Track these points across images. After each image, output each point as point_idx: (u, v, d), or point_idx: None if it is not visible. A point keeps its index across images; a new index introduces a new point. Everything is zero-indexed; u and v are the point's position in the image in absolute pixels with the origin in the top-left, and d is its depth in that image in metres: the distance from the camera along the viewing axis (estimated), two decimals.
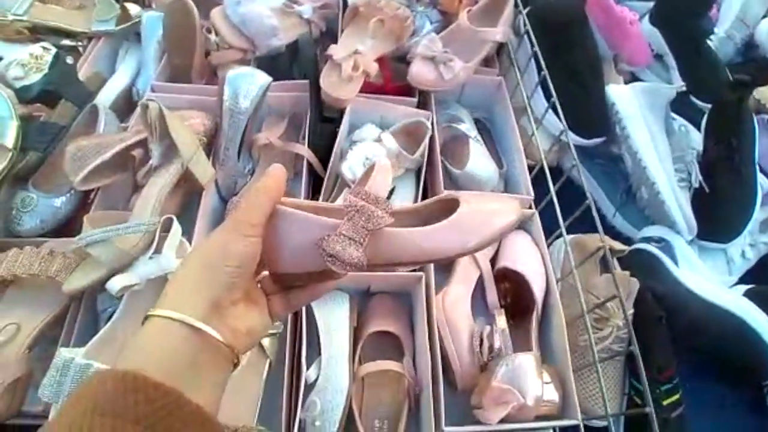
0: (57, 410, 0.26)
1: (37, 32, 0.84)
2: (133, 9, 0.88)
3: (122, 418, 0.25)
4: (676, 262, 0.73)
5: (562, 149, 0.82)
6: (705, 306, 0.69)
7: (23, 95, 0.70)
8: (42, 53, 0.79)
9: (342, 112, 0.75)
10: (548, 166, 0.69)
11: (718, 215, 0.76)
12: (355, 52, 0.72)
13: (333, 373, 0.59)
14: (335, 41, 0.79)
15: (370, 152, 0.65)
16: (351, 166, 0.64)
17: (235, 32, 0.77)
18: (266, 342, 0.60)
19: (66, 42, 0.86)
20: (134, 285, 0.55)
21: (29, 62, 0.78)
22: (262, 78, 0.69)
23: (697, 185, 0.76)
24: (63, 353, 0.52)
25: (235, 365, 0.32)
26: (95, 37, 0.86)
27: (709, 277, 0.74)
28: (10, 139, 0.66)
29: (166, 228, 0.60)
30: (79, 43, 0.87)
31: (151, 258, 0.58)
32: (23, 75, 0.76)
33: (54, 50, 0.79)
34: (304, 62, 0.78)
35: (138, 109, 0.73)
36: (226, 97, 0.68)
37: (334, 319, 0.62)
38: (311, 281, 0.36)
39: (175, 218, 0.60)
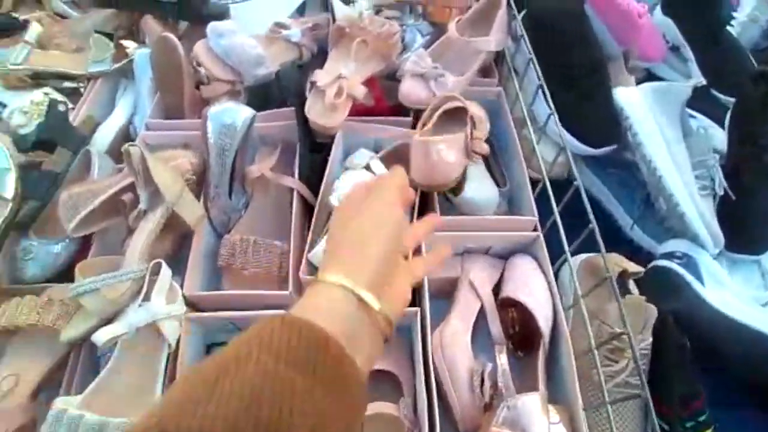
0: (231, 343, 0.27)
1: (39, 78, 0.86)
2: (130, 46, 0.89)
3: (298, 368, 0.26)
4: (701, 280, 0.67)
5: (574, 159, 0.77)
6: (734, 327, 0.63)
7: (22, 144, 0.72)
8: (42, 99, 0.81)
9: (333, 138, 0.73)
10: (556, 178, 0.64)
11: (747, 223, 0.69)
12: (339, 77, 0.70)
13: None
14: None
15: (359, 180, 0.63)
16: (340, 197, 0.62)
17: (219, 64, 0.76)
18: None
19: (68, 84, 0.88)
20: (122, 335, 0.55)
21: (31, 109, 0.80)
22: (246, 112, 0.68)
23: (721, 192, 0.69)
24: (57, 404, 0.53)
25: (386, 340, 0.34)
26: (93, 78, 0.87)
27: (739, 293, 0.67)
28: (9, 191, 0.67)
29: (154, 273, 0.59)
30: (80, 85, 0.88)
31: (140, 306, 0.57)
32: (26, 122, 0.79)
33: (52, 96, 0.80)
34: (290, 90, 0.76)
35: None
36: (209, 134, 0.67)
37: None
38: None
39: (163, 263, 0.59)
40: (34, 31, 0.86)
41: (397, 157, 0.68)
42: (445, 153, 0.61)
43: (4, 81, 0.85)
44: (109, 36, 0.88)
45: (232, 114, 0.67)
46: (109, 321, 0.58)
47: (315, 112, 0.69)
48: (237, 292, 0.62)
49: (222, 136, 0.67)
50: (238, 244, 0.65)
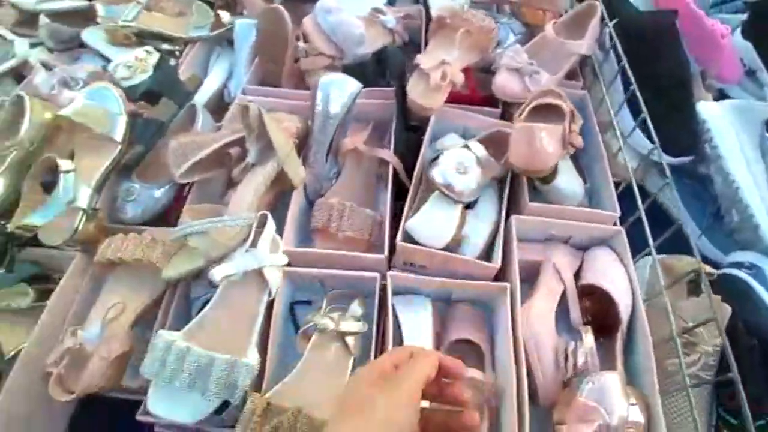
0: None
1: (141, 37, 0.90)
2: (225, 17, 0.94)
3: None
4: None
5: (647, 168, 0.80)
6: None
7: (130, 94, 0.75)
8: (145, 56, 0.85)
9: (425, 121, 0.76)
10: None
11: None
12: (443, 62, 0.73)
13: None
14: (417, 51, 0.81)
15: (461, 157, 0.66)
16: (443, 171, 0.65)
17: (325, 40, 0.79)
18: (350, 341, 0.61)
19: (165, 46, 0.92)
20: (232, 275, 0.58)
21: (135, 64, 0.83)
22: (353, 85, 0.71)
23: None
24: (164, 335, 0.55)
25: None
26: (191, 42, 0.91)
27: None
28: (119, 134, 0.71)
29: (261, 224, 0.62)
30: (176, 48, 0.92)
31: (247, 251, 0.60)
32: (129, 75, 0.82)
33: (156, 53, 0.84)
34: (392, 70, 0.80)
35: (232, 109, 0.78)
36: (318, 101, 0.70)
37: (418, 321, 0.63)
38: None
39: (269, 215, 0.63)
40: None
41: (493, 142, 0.71)
42: (546, 141, 0.64)
43: (111, 37, 0.89)
44: (210, 4, 0.92)
45: (341, 85, 0.70)
46: (209, 265, 0.60)
47: (417, 92, 0.73)
48: (336, 252, 0.65)
49: (329, 105, 0.70)
50: (335, 208, 0.68)
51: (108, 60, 0.87)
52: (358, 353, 0.61)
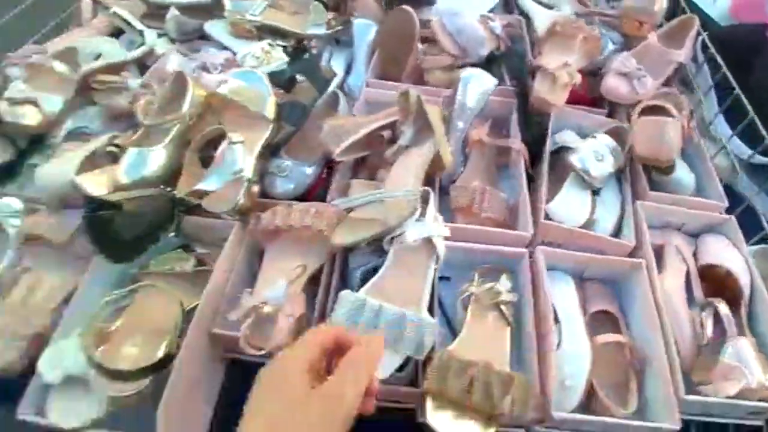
0: None
1: (261, 31, 0.95)
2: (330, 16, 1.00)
3: None
4: None
5: (732, 172, 0.88)
6: None
7: (276, 79, 0.80)
8: (269, 49, 0.90)
9: (542, 117, 0.83)
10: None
11: None
12: (566, 64, 0.81)
13: (575, 340, 0.64)
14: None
15: (598, 146, 0.73)
16: (582, 158, 0.72)
17: (450, 40, 0.86)
18: (505, 310, 0.66)
19: (279, 42, 0.97)
20: (413, 241, 0.62)
21: (261, 56, 0.89)
22: (490, 81, 0.78)
23: None
24: (349, 295, 0.59)
25: None
26: (306, 39, 0.97)
27: None
28: (270, 113, 0.75)
29: (424, 199, 0.67)
30: (289, 44, 0.98)
31: (417, 221, 0.65)
32: (257, 65, 0.87)
33: (279, 47, 0.90)
34: (513, 71, 0.87)
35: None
36: (459, 93, 0.77)
37: (565, 294, 0.69)
38: None
39: (431, 190, 0.68)
40: None
41: (612, 136, 0.79)
42: (673, 134, 0.72)
43: (234, 29, 0.94)
44: (324, 5, 0.98)
45: (480, 80, 0.77)
46: (385, 233, 0.65)
47: (544, 89, 0.80)
48: (486, 229, 0.70)
49: (469, 97, 0.77)
50: (477, 190, 0.74)
51: (227, 50, 0.92)
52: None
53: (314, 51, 0.84)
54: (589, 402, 0.63)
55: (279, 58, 0.90)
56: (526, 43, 0.95)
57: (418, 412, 0.61)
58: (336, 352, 0.40)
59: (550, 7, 0.96)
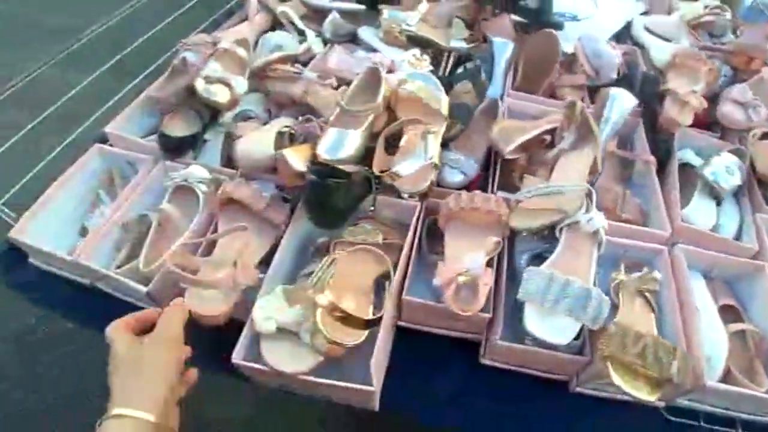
0: None
1: (409, 40, 1.06)
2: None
3: None
4: None
5: None
6: None
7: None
8: (420, 58, 1.02)
9: (667, 137, 0.95)
10: None
11: None
12: (693, 91, 0.93)
13: (712, 326, 0.75)
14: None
15: (729, 162, 0.85)
16: (714, 171, 0.84)
17: (587, 62, 0.98)
18: (650, 297, 0.77)
19: (415, 52, 1.08)
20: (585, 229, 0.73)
21: (414, 62, 1.00)
22: (632, 100, 0.89)
23: None
24: (536, 269, 0.70)
25: None
26: (446, 51, 1.08)
27: None
28: (445, 110, 0.86)
29: (588, 194, 0.78)
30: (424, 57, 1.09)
31: (585, 213, 0.75)
32: (410, 71, 0.98)
33: (426, 57, 1.01)
34: (646, 93, 0.98)
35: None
36: (606, 109, 0.88)
37: (698, 287, 0.80)
38: None
39: (593, 188, 0.78)
40: (423, 5, 1.07)
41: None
42: None
43: (385, 36, 1.05)
44: (465, 23, 1.10)
45: (625, 98, 0.88)
46: (553, 222, 0.76)
47: (674, 111, 0.92)
48: (629, 226, 0.82)
49: (616, 112, 0.88)
50: (618, 194, 0.85)
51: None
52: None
53: (477, 63, 0.95)
54: (724, 381, 0.73)
55: (426, 66, 1.02)
56: (642, 70, 1.07)
57: (571, 382, 0.71)
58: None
59: (667, 39, 1.08)
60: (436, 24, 1.10)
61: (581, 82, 0.99)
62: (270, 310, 0.68)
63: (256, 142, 0.83)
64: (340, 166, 0.73)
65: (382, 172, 0.78)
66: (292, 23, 1.04)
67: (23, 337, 1.41)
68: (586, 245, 0.75)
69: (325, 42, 1.08)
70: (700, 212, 0.84)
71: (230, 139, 0.91)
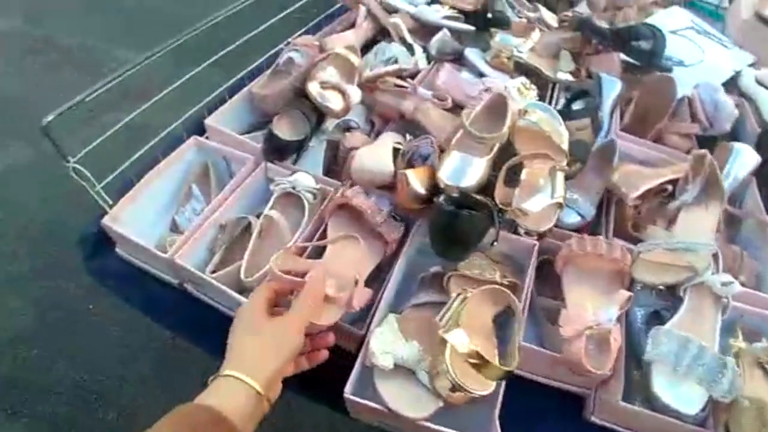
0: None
1: (516, 67, 1.04)
2: None
3: None
4: None
5: None
6: None
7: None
8: (529, 86, 0.98)
9: None
10: None
11: None
12: None
13: None
14: None
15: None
16: None
17: (704, 111, 0.95)
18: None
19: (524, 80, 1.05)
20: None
21: (523, 90, 0.97)
22: (755, 157, 0.86)
23: None
24: (665, 330, 0.66)
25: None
26: (552, 83, 1.05)
27: None
28: (565, 145, 0.82)
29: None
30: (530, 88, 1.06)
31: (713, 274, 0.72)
32: (518, 98, 0.95)
33: (534, 87, 0.98)
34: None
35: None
36: (729, 163, 0.85)
37: None
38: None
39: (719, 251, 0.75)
40: (536, 34, 1.04)
41: None
42: None
43: (493, 60, 1.03)
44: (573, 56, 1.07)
45: (749, 155, 0.86)
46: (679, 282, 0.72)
47: None
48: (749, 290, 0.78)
49: (735, 168, 0.85)
50: (738, 256, 0.82)
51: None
52: None
53: (598, 101, 0.92)
54: None
55: (532, 97, 0.99)
56: (752, 124, 1.04)
57: None
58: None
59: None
60: (542, 53, 1.08)
61: (694, 131, 0.96)
62: (386, 343, 0.65)
63: (374, 156, 0.80)
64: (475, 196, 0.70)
65: (504, 205, 0.75)
66: (400, 36, 1.01)
67: None
68: (712, 308, 0.72)
69: (429, 59, 1.05)
70: None
71: (334, 147, 0.89)
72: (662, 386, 0.65)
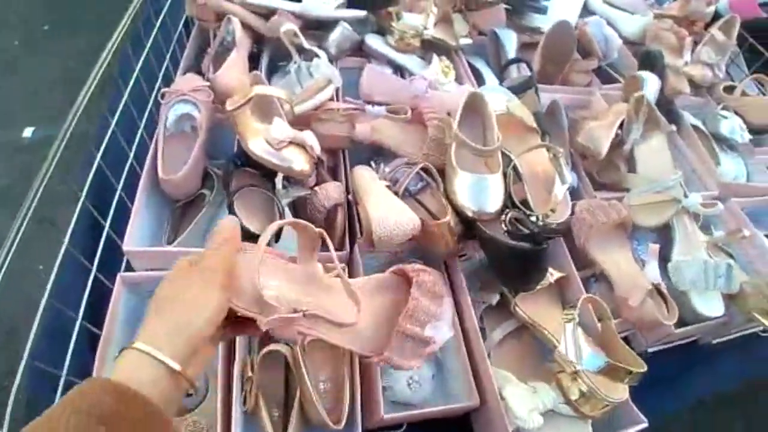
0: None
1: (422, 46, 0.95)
2: None
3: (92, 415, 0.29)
4: None
5: None
6: None
7: None
8: (448, 65, 0.93)
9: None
10: None
11: None
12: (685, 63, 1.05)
13: None
14: None
15: (736, 121, 0.99)
16: (732, 129, 0.97)
17: (597, 48, 1.02)
18: None
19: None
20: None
21: (447, 71, 0.92)
22: (656, 80, 0.95)
23: None
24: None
25: (189, 392, 0.37)
26: (453, 50, 1.00)
27: None
28: (534, 123, 0.80)
29: None
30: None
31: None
32: (445, 82, 0.90)
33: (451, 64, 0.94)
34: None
35: None
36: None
37: None
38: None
39: None
40: (431, 5, 0.95)
41: None
42: None
43: (399, 43, 0.92)
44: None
45: (653, 79, 0.95)
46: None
47: (675, 81, 1.02)
48: None
49: (650, 95, 0.94)
50: None
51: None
52: None
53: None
54: None
55: (453, 73, 0.94)
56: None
57: None
58: None
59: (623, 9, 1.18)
60: (438, 23, 1.00)
61: (594, 66, 1.03)
62: (525, 400, 0.60)
63: (394, 214, 0.64)
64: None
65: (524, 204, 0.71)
66: (295, 44, 0.82)
67: None
68: (693, 224, 0.82)
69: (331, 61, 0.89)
70: (730, 168, 0.97)
71: (302, 208, 0.71)
72: (702, 305, 0.75)
